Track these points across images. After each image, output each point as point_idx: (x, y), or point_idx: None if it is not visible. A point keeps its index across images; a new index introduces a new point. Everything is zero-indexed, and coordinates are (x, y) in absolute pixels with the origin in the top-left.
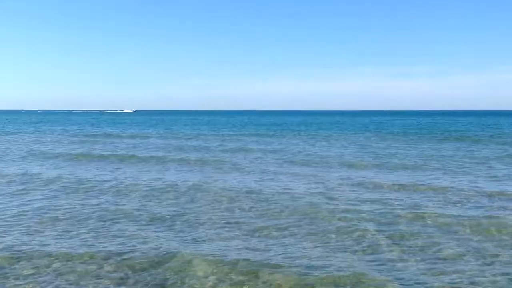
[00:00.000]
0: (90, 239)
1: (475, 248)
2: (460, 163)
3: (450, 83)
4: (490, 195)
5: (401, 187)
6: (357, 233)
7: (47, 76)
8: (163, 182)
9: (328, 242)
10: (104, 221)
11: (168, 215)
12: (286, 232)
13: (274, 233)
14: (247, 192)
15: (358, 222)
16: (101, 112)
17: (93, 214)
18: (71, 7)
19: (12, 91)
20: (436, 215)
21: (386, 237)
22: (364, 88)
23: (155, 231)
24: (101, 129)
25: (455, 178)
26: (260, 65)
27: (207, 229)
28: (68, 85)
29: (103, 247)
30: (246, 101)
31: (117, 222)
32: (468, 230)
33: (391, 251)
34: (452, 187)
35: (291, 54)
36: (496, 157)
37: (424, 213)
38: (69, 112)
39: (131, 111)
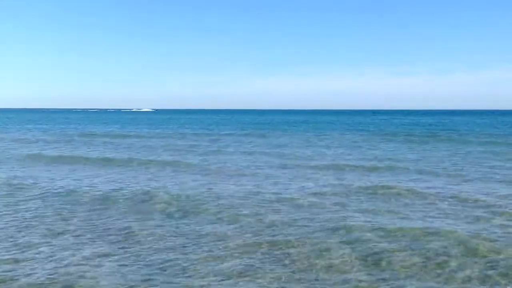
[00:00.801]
0: None
1: None
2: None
3: (452, 82)
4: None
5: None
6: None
7: (62, 74)
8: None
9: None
10: None
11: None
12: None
13: None
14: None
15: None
16: (119, 111)
17: None
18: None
19: (25, 89)
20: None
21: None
22: (364, 86)
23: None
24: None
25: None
26: (259, 63)
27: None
28: (85, 83)
29: None
30: (245, 99)
31: None
32: None
33: None
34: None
35: (291, 52)
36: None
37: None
38: (87, 111)
39: (151, 110)
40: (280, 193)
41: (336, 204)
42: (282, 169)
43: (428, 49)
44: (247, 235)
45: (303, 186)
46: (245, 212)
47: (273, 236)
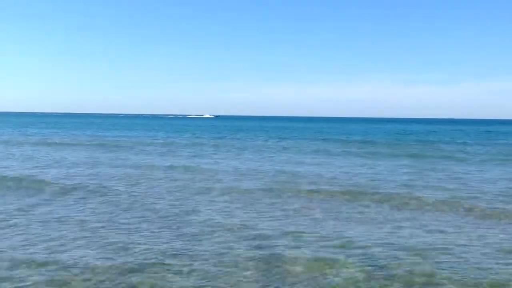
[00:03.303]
0: None
1: None
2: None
3: (460, 91)
4: None
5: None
6: None
7: (124, 78)
8: None
9: None
10: None
11: None
12: None
13: None
14: None
15: None
16: (184, 117)
17: None
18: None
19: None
20: None
21: None
22: (371, 95)
23: None
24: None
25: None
26: (267, 71)
27: None
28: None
29: None
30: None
31: None
32: None
33: None
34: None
35: (296, 59)
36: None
37: None
38: (154, 117)
39: (212, 116)
40: None
41: None
42: None
43: (435, 58)
44: None
45: None
46: None
47: None
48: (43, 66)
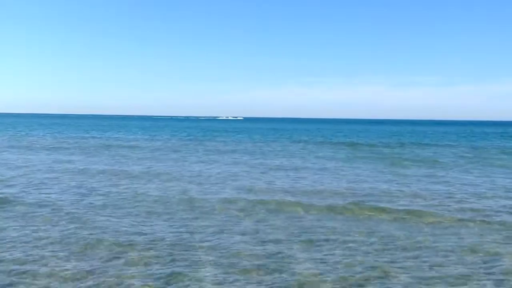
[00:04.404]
0: None
1: None
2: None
3: (459, 93)
4: None
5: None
6: None
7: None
8: None
9: None
10: None
11: None
12: None
13: None
14: None
15: None
16: (214, 119)
17: None
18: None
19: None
20: None
21: None
22: (370, 97)
23: None
24: None
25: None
26: (267, 73)
27: None
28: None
29: None
30: (249, 107)
31: None
32: None
33: None
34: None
35: (295, 61)
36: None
37: None
38: (186, 119)
39: (241, 118)
40: None
41: None
42: None
43: (432, 60)
44: None
45: None
46: None
47: None
48: (39, 66)
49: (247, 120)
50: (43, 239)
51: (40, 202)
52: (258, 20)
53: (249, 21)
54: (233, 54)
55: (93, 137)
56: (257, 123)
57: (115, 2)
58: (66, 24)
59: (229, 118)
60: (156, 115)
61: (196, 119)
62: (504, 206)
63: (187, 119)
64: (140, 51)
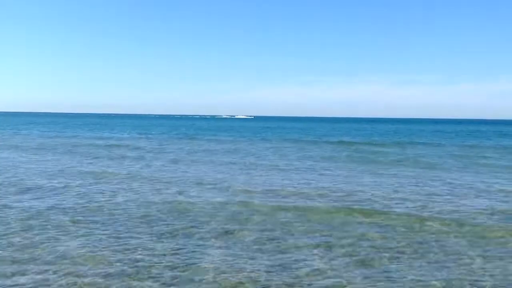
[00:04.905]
0: None
1: None
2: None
3: (458, 92)
4: None
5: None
6: None
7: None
8: None
9: None
10: None
11: None
12: None
13: None
14: None
15: None
16: (212, 118)
17: None
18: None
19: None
20: None
21: None
22: (370, 95)
23: None
24: None
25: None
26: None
27: None
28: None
29: None
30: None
31: None
32: None
33: None
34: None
35: (295, 60)
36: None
37: None
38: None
39: (251, 117)
40: None
41: None
42: None
43: (431, 59)
44: None
45: None
46: None
47: None
48: (39, 66)
49: (256, 119)
50: None
51: None
52: (258, 20)
53: (249, 21)
54: (233, 54)
55: (66, 136)
56: (258, 122)
57: (115, 2)
58: (66, 24)
59: (240, 117)
60: (156, 114)
61: (192, 118)
62: (474, 206)
63: (182, 117)
64: (140, 51)
